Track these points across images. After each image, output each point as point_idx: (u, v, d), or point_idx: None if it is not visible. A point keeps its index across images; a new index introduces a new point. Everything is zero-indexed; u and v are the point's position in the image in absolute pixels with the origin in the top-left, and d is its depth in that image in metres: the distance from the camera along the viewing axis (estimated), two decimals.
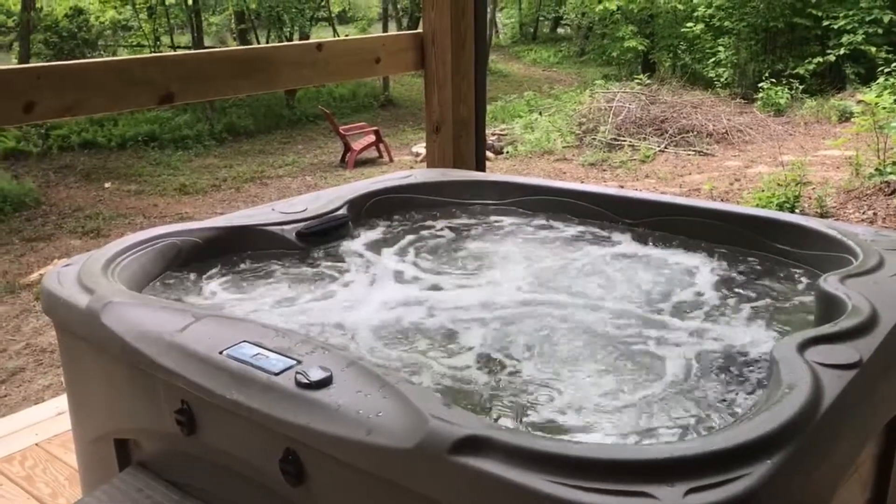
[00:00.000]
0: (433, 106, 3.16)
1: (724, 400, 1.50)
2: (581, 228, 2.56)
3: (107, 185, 11.67)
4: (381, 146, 12.86)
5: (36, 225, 9.68)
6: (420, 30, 3.14)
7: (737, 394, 1.52)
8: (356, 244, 2.52)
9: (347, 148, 12.67)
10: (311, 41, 2.81)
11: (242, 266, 2.34)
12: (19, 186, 10.57)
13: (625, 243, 2.42)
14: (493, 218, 2.79)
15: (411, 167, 12.16)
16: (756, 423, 1.19)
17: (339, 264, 2.37)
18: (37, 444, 2.80)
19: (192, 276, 2.25)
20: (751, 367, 1.62)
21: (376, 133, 12.81)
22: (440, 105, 3.13)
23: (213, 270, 2.29)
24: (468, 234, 2.66)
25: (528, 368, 1.71)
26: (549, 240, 2.53)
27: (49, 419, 2.99)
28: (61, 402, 3.14)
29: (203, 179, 11.80)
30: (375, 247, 2.51)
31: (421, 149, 12.93)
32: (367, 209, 2.76)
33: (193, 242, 2.33)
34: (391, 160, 12.70)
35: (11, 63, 17.51)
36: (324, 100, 16.77)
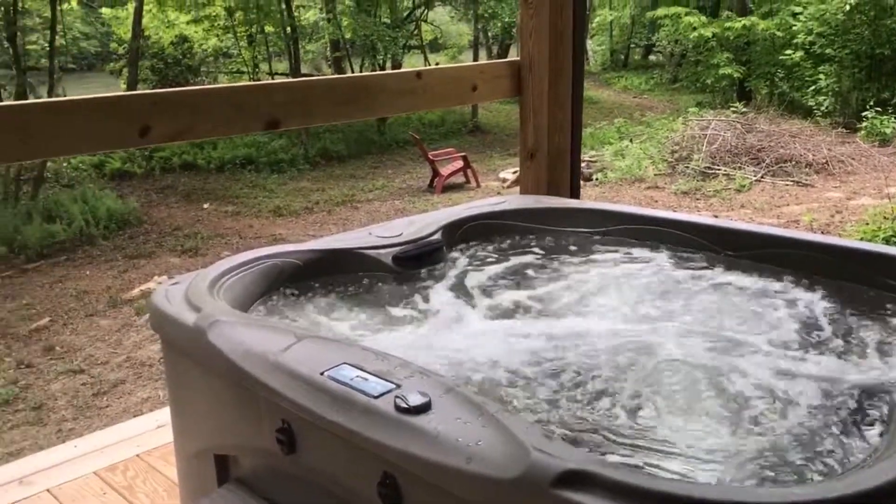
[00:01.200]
0: (528, 132, 3.16)
1: (843, 443, 1.43)
2: (681, 259, 2.50)
3: (205, 205, 12.10)
4: (469, 172, 12.95)
5: (138, 242, 10.11)
6: (517, 57, 3.15)
7: (856, 437, 1.44)
8: (450, 269, 2.53)
9: (436, 173, 12.80)
10: (410, 69, 2.85)
11: (340, 288, 2.37)
12: (124, 205, 11.07)
13: (727, 275, 2.35)
14: (588, 246, 2.75)
15: (498, 193, 12.18)
16: (878, 470, 1.13)
17: (434, 289, 2.38)
18: (138, 456, 2.90)
19: (293, 296, 2.29)
20: (869, 409, 1.54)
21: (464, 159, 12.90)
22: (535, 132, 3.13)
23: (312, 292, 2.33)
24: (563, 262, 2.64)
25: (629, 403, 1.67)
26: (648, 270, 2.48)
27: (149, 432, 3.09)
28: (161, 415, 3.25)
29: (296, 202, 12.10)
30: (469, 273, 2.52)
31: (509, 175, 12.95)
32: (460, 234, 2.77)
33: (294, 264, 2.38)
34: (478, 185, 12.76)
35: (121, 87, 18.43)
36: (413, 126, 17.01)
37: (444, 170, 12.73)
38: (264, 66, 19.09)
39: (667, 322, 2.07)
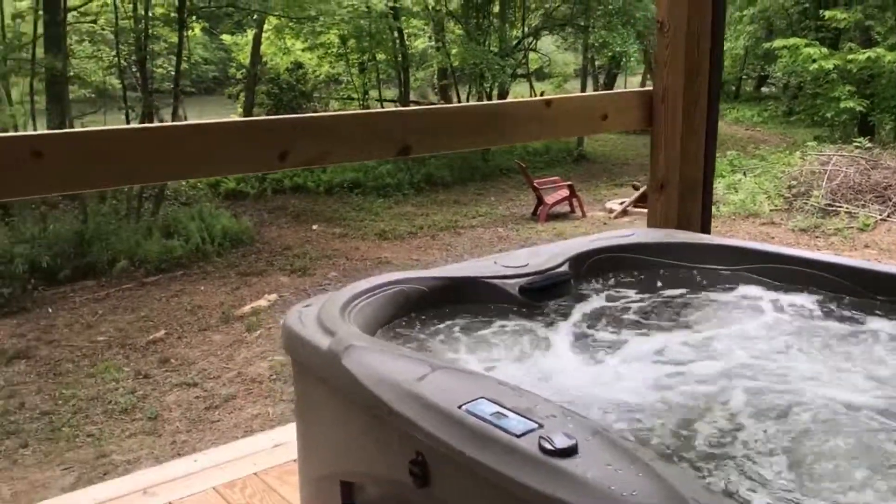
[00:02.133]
0: (659, 164, 3.06)
1: None
2: (829, 304, 2.35)
3: (314, 226, 12.40)
4: (574, 201, 12.80)
5: (250, 261, 10.43)
6: (647, 87, 3.07)
7: None
8: (577, 303, 2.46)
9: (540, 201, 12.72)
10: (540, 98, 2.81)
11: (465, 317, 2.34)
12: (238, 224, 11.45)
13: (882, 324, 2.19)
14: (722, 286, 2.63)
15: (605, 223, 11.99)
16: None
17: (561, 323, 2.31)
18: (255, 474, 2.92)
19: (419, 324, 2.27)
20: None
21: (570, 188, 12.78)
22: (666, 164, 3.03)
23: (438, 319, 2.31)
24: (695, 301, 2.52)
25: (781, 459, 1.55)
26: (790, 314, 2.34)
27: (266, 451, 3.12)
28: (276, 434, 3.29)
29: (401, 226, 12.24)
30: (597, 307, 2.44)
31: (615, 205, 12.73)
32: (588, 267, 2.70)
33: (420, 291, 2.36)
34: (584, 215, 12.59)
35: (237, 111, 19.21)
36: (518, 153, 17.00)
37: (549, 198, 12.63)
38: (373, 93, 19.51)
39: (813, 375, 1.94)
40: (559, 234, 11.31)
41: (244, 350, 7.05)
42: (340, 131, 2.38)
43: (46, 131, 2.19)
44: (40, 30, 11.63)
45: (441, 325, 2.28)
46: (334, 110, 19.24)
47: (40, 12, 11.38)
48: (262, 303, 8.53)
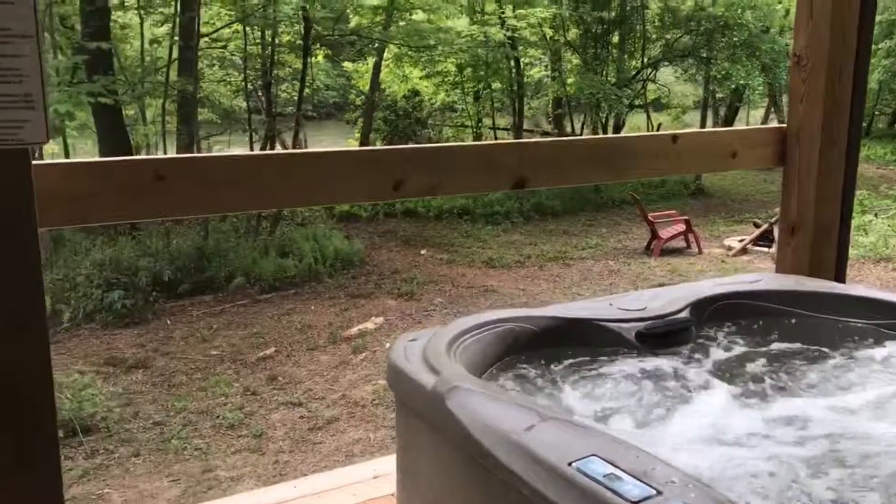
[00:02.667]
0: (790, 206, 2.86)
1: None
2: None
3: (422, 251, 12.48)
4: (690, 236, 12.39)
5: (359, 283, 10.57)
6: (782, 124, 2.88)
7: None
8: (699, 353, 2.30)
9: (654, 235, 12.37)
10: (666, 132, 2.68)
11: (577, 362, 2.22)
12: (349, 246, 11.65)
13: None
14: (859, 341, 2.41)
15: (722, 261, 11.53)
16: None
17: (682, 374, 2.16)
18: None
19: (527, 366, 2.18)
20: None
21: (686, 222, 12.37)
22: (799, 206, 2.83)
23: (548, 362, 2.20)
24: (829, 358, 2.32)
25: None
26: None
27: (366, 481, 3.08)
28: (377, 464, 3.24)
29: (509, 255, 12.15)
30: (720, 358, 2.27)
31: (734, 242, 12.23)
32: (710, 313, 2.53)
33: (531, 330, 2.27)
34: (700, 251, 12.15)
35: (355, 136, 19.68)
36: (632, 185, 16.63)
37: (664, 232, 12.26)
38: (487, 121, 19.60)
39: None
40: (673, 270, 10.95)
41: (349, 372, 7.10)
42: (455, 162, 2.33)
43: (169, 156, 2.23)
44: (174, 54, 12.28)
45: (551, 369, 2.17)
46: (448, 137, 19.43)
47: (176, 38, 12.01)
48: (369, 325, 8.61)
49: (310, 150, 2.34)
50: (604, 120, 16.59)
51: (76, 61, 11.66)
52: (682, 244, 12.47)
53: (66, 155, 14.86)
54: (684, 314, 2.40)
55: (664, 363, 2.23)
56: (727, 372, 2.19)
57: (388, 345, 7.83)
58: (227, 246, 10.63)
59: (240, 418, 6.09)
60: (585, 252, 12.49)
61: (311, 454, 5.45)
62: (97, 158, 1.96)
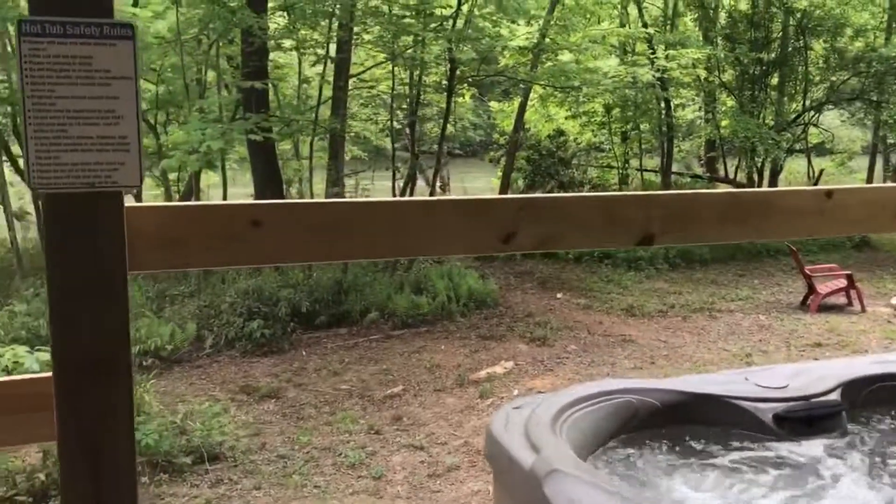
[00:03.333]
0: None
1: None
2: None
3: (558, 295, 12.19)
4: (852, 292, 11.42)
5: (491, 324, 10.41)
6: None
7: None
8: (851, 444, 1.98)
9: (811, 290, 11.49)
10: (820, 187, 2.38)
11: (703, 444, 1.96)
12: (484, 286, 11.54)
13: None
14: None
15: (888, 321, 10.54)
16: None
17: (831, 470, 1.85)
18: None
19: (645, 446, 1.94)
20: None
21: (848, 278, 11.42)
22: None
23: (670, 443, 1.95)
24: None
25: None
26: None
27: None
28: None
29: (650, 303, 11.65)
30: (879, 454, 1.94)
31: None
32: (866, 397, 2.19)
33: (651, 404, 2.03)
34: (863, 310, 11.17)
35: (496, 175, 19.70)
36: None
37: (822, 287, 11.37)
38: (634, 162, 19.11)
39: None
40: (831, 329, 10.11)
41: (474, 418, 6.93)
42: (573, 214, 2.14)
43: (266, 201, 2.13)
44: (327, 93, 12.73)
45: (673, 452, 1.92)
46: (593, 178, 19.09)
47: (326, 78, 12.48)
48: (498, 369, 8.42)
49: (417, 198, 2.19)
50: (759, 165, 15.75)
51: (236, 98, 12.33)
52: (843, 301, 11.52)
53: (225, 186, 15.71)
54: (834, 396, 2.08)
55: (807, 453, 1.92)
56: (886, 471, 1.86)
57: (515, 392, 7.61)
58: (364, 280, 10.79)
59: (361, 458, 6.04)
60: (734, 304, 11.78)
61: (428, 502, 5.30)
62: (193, 202, 1.95)
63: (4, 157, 12.35)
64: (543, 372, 8.37)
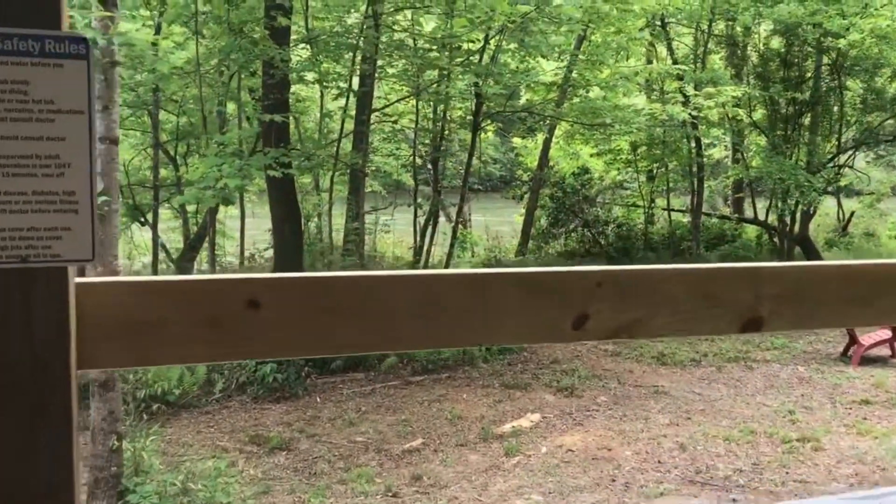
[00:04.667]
0: None
1: None
2: None
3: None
4: None
5: (515, 371, 9.91)
6: None
7: None
8: None
9: (852, 340, 10.91)
10: None
11: None
12: None
13: None
14: None
15: None
16: None
17: None
18: None
19: None
20: None
21: (893, 329, 10.83)
22: None
23: None
24: None
25: None
26: None
27: None
28: None
29: (682, 350, 11.10)
30: None
31: None
32: None
33: None
34: None
35: (520, 212, 19.27)
36: None
37: (865, 338, 10.78)
38: (659, 201, 18.64)
39: None
40: (878, 384, 9.51)
41: (500, 479, 6.42)
42: (663, 291, 1.68)
43: (267, 275, 1.64)
44: (349, 127, 12.43)
45: None
46: (618, 217, 18.61)
47: (350, 112, 12.17)
48: (524, 423, 7.90)
49: (456, 270, 1.73)
50: (792, 207, 15.24)
51: (256, 131, 12.05)
52: (887, 353, 10.92)
53: (243, 219, 15.39)
54: None
55: None
56: None
57: (543, 449, 7.08)
58: None
59: None
60: (770, 353, 11.20)
61: None
62: (172, 277, 1.52)
63: None
64: (573, 426, 7.84)
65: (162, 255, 14.75)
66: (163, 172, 16.14)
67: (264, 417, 8.00)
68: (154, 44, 11.99)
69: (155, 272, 12.68)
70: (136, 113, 14.49)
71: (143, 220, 14.23)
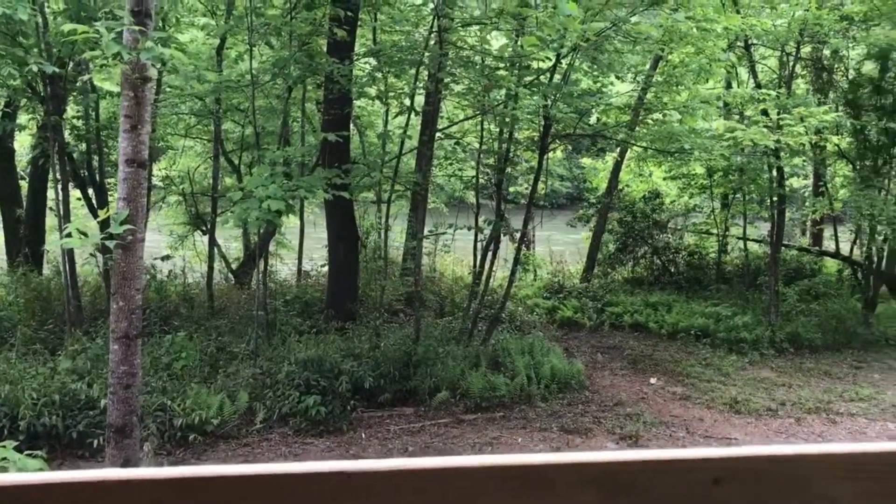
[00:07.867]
0: None
1: None
2: None
3: (652, 380, 10.92)
4: None
5: (576, 413, 9.27)
6: None
7: None
8: None
9: None
10: None
11: None
12: (569, 366, 10.38)
13: None
14: None
15: None
16: None
17: None
18: None
19: None
20: None
21: None
22: None
23: None
24: None
25: None
26: None
27: None
28: None
29: (757, 396, 10.27)
30: None
31: None
32: None
33: None
34: None
35: (586, 235, 18.52)
36: None
37: None
38: (733, 230, 17.69)
39: None
40: None
41: None
42: (814, 489, 1.11)
43: (179, 473, 0.96)
44: (408, 143, 12.00)
45: None
46: (689, 245, 17.74)
47: (409, 131, 11.74)
48: None
49: (501, 461, 1.14)
50: (881, 244, 14.18)
51: (315, 146, 11.70)
52: None
53: (302, 231, 15.05)
54: None
55: None
56: None
57: None
58: (435, 352, 9.77)
59: None
60: (855, 406, 10.28)
61: None
62: (51, 475, 1.01)
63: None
64: None
65: (221, 265, 14.55)
66: (227, 181, 15.99)
67: (306, 452, 7.55)
68: (220, 59, 11.77)
69: (210, 282, 12.42)
70: (203, 122, 14.36)
71: (204, 228, 14.07)
